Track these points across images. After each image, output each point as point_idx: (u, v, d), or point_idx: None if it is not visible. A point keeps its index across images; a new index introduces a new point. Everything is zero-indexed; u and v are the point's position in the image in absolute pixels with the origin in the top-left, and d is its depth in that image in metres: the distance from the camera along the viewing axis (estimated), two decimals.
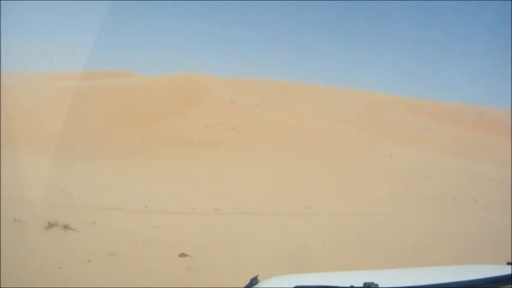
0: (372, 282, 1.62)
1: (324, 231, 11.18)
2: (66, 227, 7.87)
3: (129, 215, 11.58)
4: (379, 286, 1.61)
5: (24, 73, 55.14)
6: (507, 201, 19.65)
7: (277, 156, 33.52)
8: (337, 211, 16.24)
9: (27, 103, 36.19)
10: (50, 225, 7.78)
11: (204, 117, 44.95)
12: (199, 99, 51.79)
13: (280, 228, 11.23)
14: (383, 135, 50.02)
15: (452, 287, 1.68)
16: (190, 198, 15.67)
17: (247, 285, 1.86)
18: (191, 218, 12.35)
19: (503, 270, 1.82)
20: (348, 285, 1.62)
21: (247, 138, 39.09)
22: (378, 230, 11.96)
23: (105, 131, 36.53)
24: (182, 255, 7.12)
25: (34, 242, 7.05)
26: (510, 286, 1.60)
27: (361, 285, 1.61)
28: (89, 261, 6.30)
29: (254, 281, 1.88)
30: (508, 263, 1.96)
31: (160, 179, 21.33)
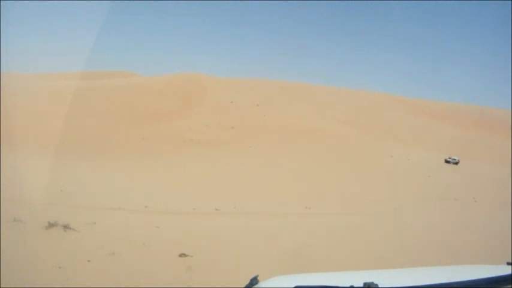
0: (372, 282, 1.62)
1: (324, 232, 11.18)
2: (66, 227, 7.86)
3: (129, 215, 11.58)
4: (379, 286, 1.61)
5: (24, 73, 55.19)
6: (507, 201, 19.67)
7: (277, 156, 33.57)
8: (337, 211, 16.24)
9: (27, 103, 36.21)
10: (50, 225, 7.77)
11: (204, 117, 45.01)
12: (199, 99, 51.86)
13: (280, 228, 11.23)
14: (383, 135, 50.08)
15: (452, 287, 1.68)
16: (190, 198, 15.69)
17: (247, 285, 1.86)
18: (191, 218, 12.36)
19: (503, 270, 1.82)
20: (348, 285, 1.62)
21: (247, 138, 39.14)
22: (378, 230, 11.96)
23: (105, 131, 36.57)
24: (182, 255, 7.12)
25: (34, 242, 7.04)
26: (510, 286, 1.60)
27: (361, 285, 1.61)
28: (89, 261, 6.29)
29: (254, 281, 1.88)
30: (508, 263, 1.96)
31: (160, 179, 21.36)
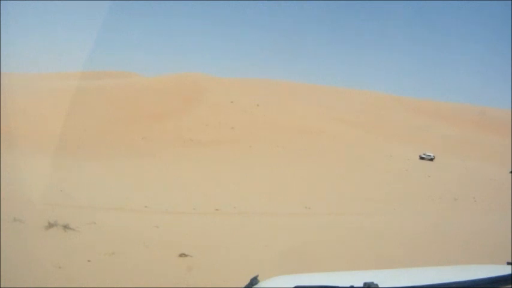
0: (372, 282, 1.62)
1: (323, 231, 11.18)
2: (66, 227, 7.85)
3: (129, 215, 11.58)
4: (379, 286, 1.61)
5: (24, 73, 55.20)
6: (507, 201, 19.68)
7: (277, 156, 33.57)
8: (337, 211, 16.25)
9: (27, 103, 36.22)
10: (50, 225, 7.76)
11: (204, 117, 45.02)
12: (199, 99, 51.87)
13: (280, 228, 11.23)
14: (383, 135, 50.10)
15: (452, 287, 1.68)
16: (190, 198, 15.68)
17: (247, 285, 1.86)
18: (191, 218, 12.35)
19: (503, 270, 1.82)
20: (348, 285, 1.63)
21: (247, 138, 39.14)
22: (378, 230, 11.95)
23: (105, 131, 36.57)
24: (182, 255, 7.12)
25: (34, 242, 7.04)
26: (510, 286, 1.60)
27: (361, 285, 1.61)
28: (89, 261, 6.29)
29: (254, 281, 1.88)
30: (508, 263, 1.96)
31: (160, 179, 21.35)
